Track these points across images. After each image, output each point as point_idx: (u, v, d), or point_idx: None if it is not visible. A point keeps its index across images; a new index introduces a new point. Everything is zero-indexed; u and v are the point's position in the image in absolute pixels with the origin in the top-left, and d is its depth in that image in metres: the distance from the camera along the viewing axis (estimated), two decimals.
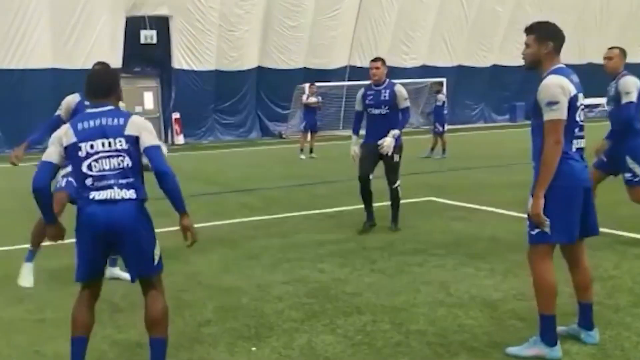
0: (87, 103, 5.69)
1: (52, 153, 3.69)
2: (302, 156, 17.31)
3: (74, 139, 3.64)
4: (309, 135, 17.83)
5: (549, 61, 3.92)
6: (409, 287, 5.52)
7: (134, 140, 3.66)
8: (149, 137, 3.69)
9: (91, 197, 3.60)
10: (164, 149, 4.22)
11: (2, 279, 6.27)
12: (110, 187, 3.60)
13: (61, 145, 3.68)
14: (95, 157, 3.62)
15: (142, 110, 26.06)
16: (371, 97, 7.68)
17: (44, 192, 3.66)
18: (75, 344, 3.73)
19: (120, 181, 3.62)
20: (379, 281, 5.75)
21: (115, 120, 3.68)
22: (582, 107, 3.92)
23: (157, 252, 3.78)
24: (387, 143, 7.40)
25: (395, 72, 28.79)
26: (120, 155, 3.63)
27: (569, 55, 33.70)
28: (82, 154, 3.62)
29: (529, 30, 3.98)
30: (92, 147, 3.62)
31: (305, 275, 6.00)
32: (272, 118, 27.45)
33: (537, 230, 3.89)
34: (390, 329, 4.54)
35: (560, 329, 4.11)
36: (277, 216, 9.12)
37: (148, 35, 24.28)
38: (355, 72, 28.50)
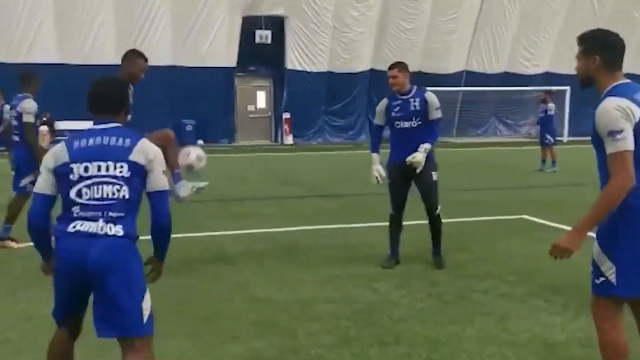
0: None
1: (41, 182, 3.17)
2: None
3: (65, 159, 3.10)
4: None
5: (602, 78, 3.26)
6: (463, 317, 4.97)
7: (139, 170, 3.11)
8: (159, 177, 3.16)
9: (71, 228, 3.04)
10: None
11: None
12: (95, 219, 3.03)
13: (48, 169, 3.14)
14: (88, 182, 3.06)
15: (254, 109, 26.52)
16: (398, 108, 6.42)
17: (36, 228, 3.19)
18: None
19: (110, 214, 3.03)
20: (431, 307, 5.23)
21: (120, 140, 3.13)
22: None
23: (146, 306, 3.08)
24: (418, 159, 6.21)
25: (515, 79, 27.68)
26: (117, 184, 3.07)
27: None
28: (73, 177, 3.07)
29: (578, 41, 3.33)
30: (86, 169, 3.07)
31: (355, 295, 5.58)
32: None
33: (602, 279, 3.23)
34: None
35: None
36: (351, 225, 8.72)
37: (263, 35, 24.60)
38: (472, 78, 27.55)
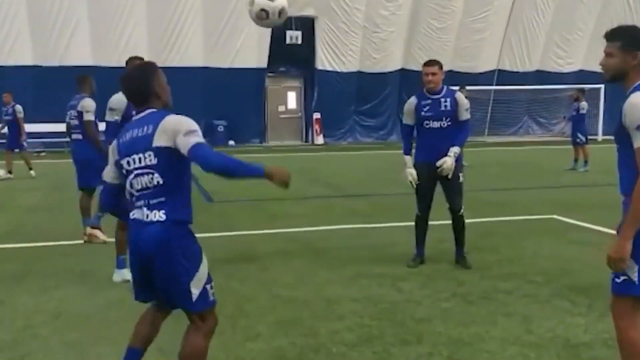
0: None
1: (107, 171, 3.50)
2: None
3: (117, 156, 3.39)
4: None
5: (635, 74, 3.22)
6: (487, 317, 4.95)
7: (165, 153, 3.20)
8: (184, 139, 3.15)
9: (132, 215, 3.33)
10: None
11: (83, 272, 6.46)
12: (140, 207, 3.27)
13: (111, 162, 3.45)
14: (132, 175, 3.30)
15: (285, 109, 26.64)
16: (428, 107, 6.32)
17: (114, 212, 3.66)
18: (126, 354, 3.51)
19: (151, 201, 3.23)
20: (455, 307, 5.22)
21: (145, 128, 3.27)
22: None
23: (194, 288, 3.24)
24: (448, 165, 6.17)
25: (548, 77, 27.34)
26: (150, 173, 3.23)
27: None
28: (124, 170, 3.35)
29: (612, 36, 3.28)
30: (129, 163, 3.31)
31: (380, 294, 5.60)
32: None
33: (623, 278, 3.20)
34: None
35: None
36: (380, 225, 8.74)
37: (293, 36, 24.68)
38: (505, 76, 27.30)
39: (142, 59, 5.90)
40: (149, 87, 3.43)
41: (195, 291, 3.24)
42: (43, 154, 21.63)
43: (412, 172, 6.42)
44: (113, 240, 6.23)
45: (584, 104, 15.60)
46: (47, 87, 21.97)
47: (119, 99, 5.80)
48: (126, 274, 5.74)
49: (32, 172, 14.58)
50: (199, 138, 3.19)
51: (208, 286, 3.30)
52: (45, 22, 22.31)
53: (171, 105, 3.50)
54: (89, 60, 22.58)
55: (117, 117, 5.79)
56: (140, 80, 3.45)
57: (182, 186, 3.28)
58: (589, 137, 16.08)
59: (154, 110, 3.39)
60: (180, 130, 3.20)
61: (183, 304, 3.30)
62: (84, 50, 22.69)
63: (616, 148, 3.29)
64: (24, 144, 14.99)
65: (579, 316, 4.96)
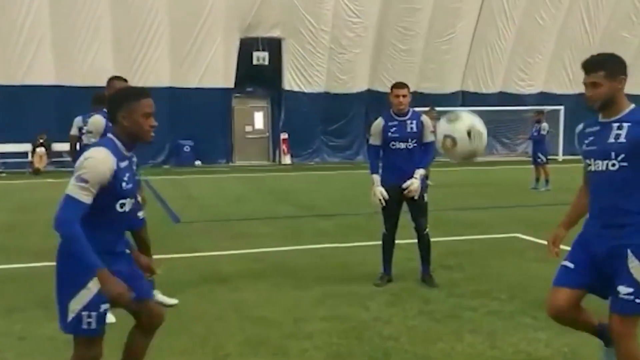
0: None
1: None
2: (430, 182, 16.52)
3: None
4: None
5: (623, 98, 3.45)
6: (453, 334, 5.05)
7: None
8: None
9: None
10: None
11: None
12: None
13: None
14: None
15: (252, 129, 26.72)
16: (395, 128, 6.47)
17: None
18: None
19: None
20: (422, 325, 5.31)
21: None
22: None
23: (72, 307, 3.13)
24: (415, 187, 6.35)
25: (510, 99, 27.89)
26: None
27: None
28: None
29: (594, 66, 3.46)
30: None
31: (347, 313, 5.66)
32: None
33: None
34: None
35: None
36: (348, 245, 8.80)
37: (260, 57, 24.83)
38: (469, 98, 27.78)
39: (125, 79, 5.88)
40: (110, 111, 3.39)
41: (71, 313, 3.14)
42: (3, 174, 21.32)
43: (381, 190, 6.50)
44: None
45: (544, 125, 16.02)
46: (9, 106, 21.70)
47: (94, 122, 5.76)
48: None
49: None
50: (70, 188, 3.07)
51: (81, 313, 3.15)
52: (7, 41, 22.07)
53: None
54: (52, 80, 22.40)
55: (95, 140, 5.76)
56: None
57: (97, 211, 3.13)
58: (550, 157, 16.48)
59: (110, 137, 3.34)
60: (75, 172, 3.13)
61: (59, 321, 3.22)
62: (47, 69, 22.50)
63: (620, 167, 3.44)
64: None
65: (540, 331, 5.09)
